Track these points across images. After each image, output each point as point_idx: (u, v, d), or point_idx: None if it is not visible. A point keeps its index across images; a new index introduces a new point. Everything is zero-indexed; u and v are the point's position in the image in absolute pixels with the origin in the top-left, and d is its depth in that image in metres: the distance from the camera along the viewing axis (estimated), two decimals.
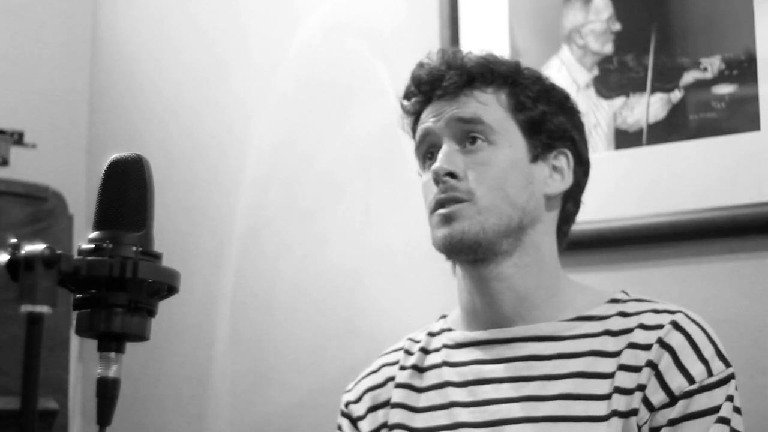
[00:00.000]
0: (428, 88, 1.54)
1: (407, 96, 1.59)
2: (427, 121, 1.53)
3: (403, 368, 1.59)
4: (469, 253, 1.47)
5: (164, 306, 1.04)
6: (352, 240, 2.30)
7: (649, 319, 1.44)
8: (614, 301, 1.51)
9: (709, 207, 1.81)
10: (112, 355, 1.00)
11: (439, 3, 2.17)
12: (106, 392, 1.00)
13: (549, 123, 1.53)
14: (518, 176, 1.49)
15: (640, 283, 1.87)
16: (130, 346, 1.02)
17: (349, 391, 1.65)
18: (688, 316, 1.44)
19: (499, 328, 1.51)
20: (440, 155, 1.49)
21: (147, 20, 2.77)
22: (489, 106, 1.51)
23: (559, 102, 1.56)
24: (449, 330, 1.59)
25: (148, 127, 2.70)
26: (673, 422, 1.37)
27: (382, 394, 1.59)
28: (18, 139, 2.41)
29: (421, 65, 1.57)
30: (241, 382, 2.43)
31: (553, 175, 1.53)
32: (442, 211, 1.47)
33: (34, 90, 2.74)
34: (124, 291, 0.98)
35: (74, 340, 2.41)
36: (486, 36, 2.11)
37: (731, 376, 1.41)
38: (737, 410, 1.41)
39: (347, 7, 2.39)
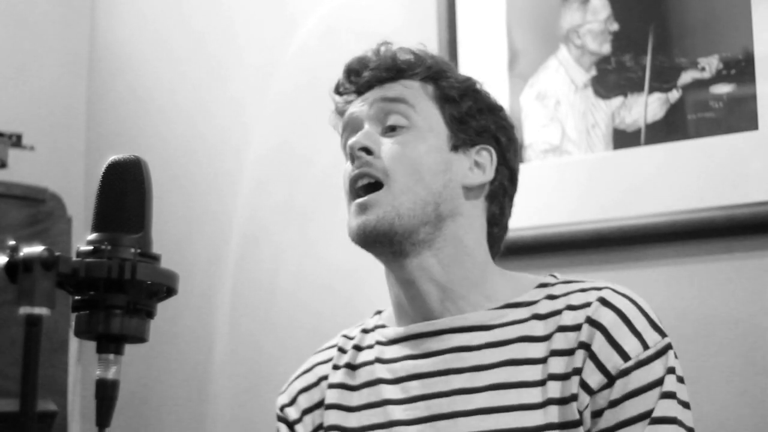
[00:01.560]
0: (357, 77, 1.54)
1: (337, 88, 1.58)
2: (352, 108, 1.53)
3: (336, 367, 1.56)
4: (385, 242, 1.44)
5: (163, 307, 1.04)
6: (349, 243, 2.29)
7: (577, 299, 1.41)
8: (543, 285, 1.47)
9: (708, 206, 1.81)
10: (111, 356, 1.00)
11: (436, 4, 2.17)
12: (105, 394, 1.00)
13: (473, 120, 1.51)
14: (435, 161, 1.46)
15: (637, 283, 1.87)
16: (129, 348, 1.02)
17: (282, 392, 1.62)
18: (615, 291, 1.40)
19: (427, 321, 1.47)
20: (358, 133, 1.48)
21: (144, 24, 2.77)
22: (414, 91, 1.50)
23: (485, 103, 1.55)
24: (383, 326, 1.55)
25: (146, 130, 2.70)
26: (614, 403, 1.33)
27: (315, 395, 1.56)
28: (16, 141, 2.42)
29: (355, 58, 1.56)
30: (240, 384, 2.43)
31: (473, 168, 1.50)
32: (358, 201, 1.44)
33: (33, 92, 2.74)
34: (122, 293, 0.99)
35: (73, 342, 2.41)
36: (484, 37, 2.11)
37: (668, 346, 1.37)
38: (681, 380, 1.36)
39: (344, 10, 2.39)
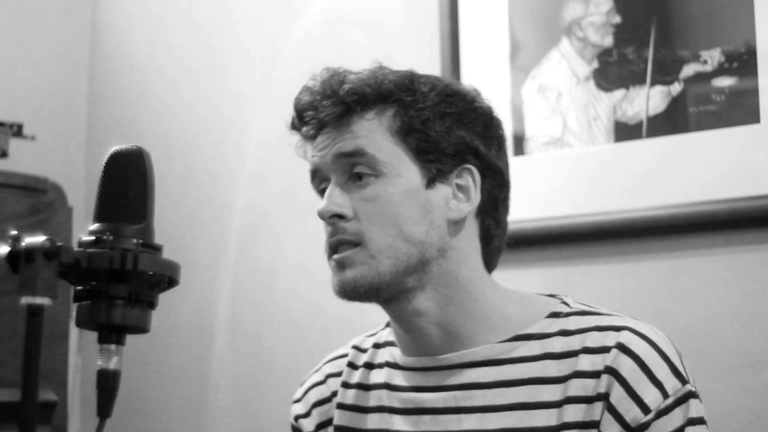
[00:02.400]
0: (310, 118, 1.43)
1: (293, 126, 1.47)
2: (315, 155, 1.42)
3: (346, 385, 1.51)
4: (370, 297, 1.38)
5: (164, 298, 1.04)
6: None
7: (594, 341, 1.32)
8: (554, 315, 1.38)
9: (709, 200, 1.81)
10: (113, 347, 1.00)
11: None
12: (107, 384, 1.00)
13: (444, 142, 1.39)
14: (412, 208, 1.36)
15: (638, 277, 1.88)
16: (130, 338, 1.02)
17: (297, 401, 1.57)
18: (635, 332, 1.32)
19: (433, 356, 1.41)
20: (325, 195, 1.39)
21: (146, 13, 2.77)
22: (371, 135, 1.38)
23: (458, 113, 1.40)
24: (392, 344, 1.49)
25: (147, 120, 2.70)
26: None
27: (328, 411, 1.52)
28: (17, 131, 2.41)
29: (304, 89, 1.45)
30: (241, 375, 2.43)
31: (457, 195, 1.39)
32: (335, 257, 1.38)
33: (34, 82, 2.74)
34: (124, 283, 0.99)
35: (73, 332, 2.41)
36: (485, 29, 2.11)
37: (689, 394, 1.30)
38: (701, 422, 1.31)
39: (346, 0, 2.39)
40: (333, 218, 1.37)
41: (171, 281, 1.02)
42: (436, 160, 1.38)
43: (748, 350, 1.76)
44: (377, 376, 1.48)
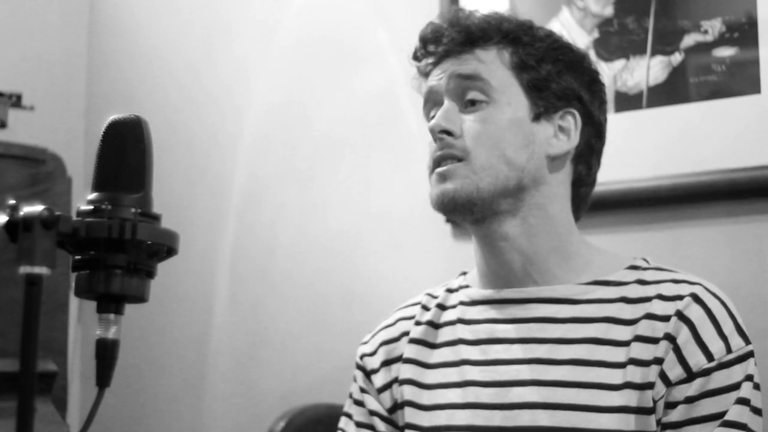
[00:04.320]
0: (432, 47, 1.52)
1: (415, 56, 1.56)
2: (431, 80, 1.52)
3: (418, 324, 1.58)
4: (464, 212, 1.45)
5: (163, 268, 1.04)
6: (350, 203, 2.30)
7: (668, 290, 1.41)
8: (633, 267, 1.48)
9: (709, 170, 1.81)
10: (112, 316, 1.00)
11: None
12: (106, 353, 1.00)
13: (554, 83, 1.49)
14: (517, 135, 1.45)
15: (638, 246, 1.87)
16: (129, 308, 1.02)
17: (365, 343, 1.64)
18: (707, 289, 1.41)
19: (513, 288, 1.49)
20: (438, 113, 1.48)
21: None
22: (490, 64, 1.48)
23: (569, 61, 1.52)
24: (467, 287, 1.57)
25: (147, 89, 2.69)
26: (690, 399, 1.35)
27: (396, 349, 1.58)
28: (16, 101, 2.41)
29: (428, 24, 1.54)
30: (240, 344, 2.44)
31: (558, 135, 1.49)
32: (438, 170, 1.46)
33: (32, 52, 2.73)
34: (123, 252, 0.98)
35: (73, 302, 2.41)
36: None
37: (750, 354, 1.38)
38: (757, 387, 1.38)
39: None
40: (442, 133, 1.46)
41: (170, 250, 1.02)
42: (545, 98, 1.49)
43: (747, 320, 1.76)
44: (449, 315, 1.56)
